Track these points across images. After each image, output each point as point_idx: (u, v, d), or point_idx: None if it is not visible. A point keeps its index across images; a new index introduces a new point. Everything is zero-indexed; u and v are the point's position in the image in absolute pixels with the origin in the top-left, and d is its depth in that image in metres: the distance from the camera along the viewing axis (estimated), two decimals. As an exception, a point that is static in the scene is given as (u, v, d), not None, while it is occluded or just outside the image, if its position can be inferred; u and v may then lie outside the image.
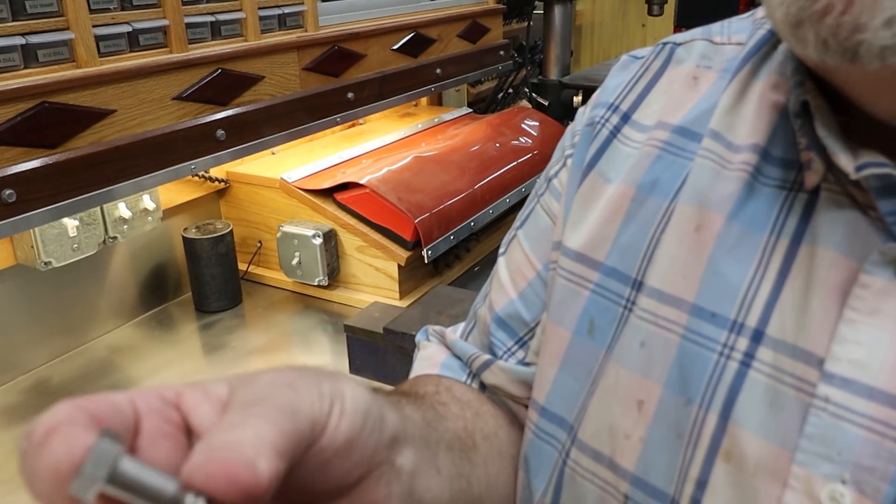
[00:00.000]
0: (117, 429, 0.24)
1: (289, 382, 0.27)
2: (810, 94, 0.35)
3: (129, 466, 0.22)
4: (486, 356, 0.52)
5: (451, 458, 0.42)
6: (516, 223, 0.55)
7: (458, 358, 0.54)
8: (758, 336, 0.35)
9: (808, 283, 0.34)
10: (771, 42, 0.43)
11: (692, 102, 0.44)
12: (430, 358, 0.56)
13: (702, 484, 0.35)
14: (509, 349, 0.52)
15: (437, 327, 0.58)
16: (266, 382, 0.27)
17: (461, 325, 0.59)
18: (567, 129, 0.52)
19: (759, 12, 0.45)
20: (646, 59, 0.50)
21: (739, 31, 0.46)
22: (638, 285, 0.41)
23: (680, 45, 0.48)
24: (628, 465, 0.38)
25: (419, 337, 0.60)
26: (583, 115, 0.51)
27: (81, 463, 0.22)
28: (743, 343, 0.36)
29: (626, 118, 0.47)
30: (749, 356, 0.35)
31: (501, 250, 0.56)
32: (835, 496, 0.31)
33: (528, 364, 0.51)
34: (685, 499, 0.35)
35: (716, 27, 0.48)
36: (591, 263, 0.44)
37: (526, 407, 0.50)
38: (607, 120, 0.48)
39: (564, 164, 0.50)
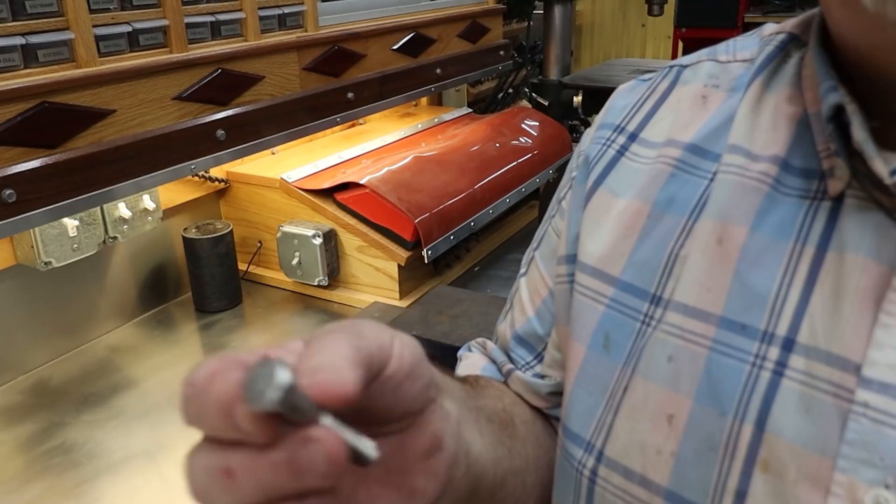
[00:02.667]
0: None
1: (352, 323, 0.31)
2: (846, 97, 0.36)
3: (288, 380, 0.25)
4: (510, 365, 0.55)
5: (492, 428, 0.45)
6: (533, 244, 0.57)
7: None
8: (789, 344, 0.35)
9: (838, 288, 0.35)
10: (780, 56, 0.43)
11: (703, 121, 0.45)
12: (471, 364, 0.59)
13: (741, 495, 0.35)
14: (528, 363, 0.54)
15: (480, 339, 0.61)
16: (332, 326, 0.30)
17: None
18: (574, 150, 0.54)
19: (766, 29, 0.46)
20: (652, 81, 0.51)
21: (745, 49, 0.47)
22: (657, 300, 0.42)
23: (686, 66, 0.49)
24: (661, 480, 0.38)
25: (462, 351, 0.62)
26: (588, 135, 0.52)
27: (249, 382, 0.25)
28: (774, 352, 0.36)
29: (633, 137, 0.48)
30: (781, 365, 0.35)
31: (522, 271, 0.58)
32: (879, 501, 0.31)
33: (543, 376, 0.53)
34: None
35: (721, 47, 0.49)
36: (605, 278, 0.45)
37: (545, 416, 0.53)
38: (613, 141, 0.49)
39: (570, 186, 0.51)
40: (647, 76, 0.52)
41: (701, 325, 0.39)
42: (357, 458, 0.28)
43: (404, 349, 0.32)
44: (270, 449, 0.26)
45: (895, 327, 0.32)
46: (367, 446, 0.28)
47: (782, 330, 0.36)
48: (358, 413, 0.30)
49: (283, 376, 0.25)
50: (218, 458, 0.27)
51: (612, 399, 0.42)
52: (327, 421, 0.27)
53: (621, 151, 0.48)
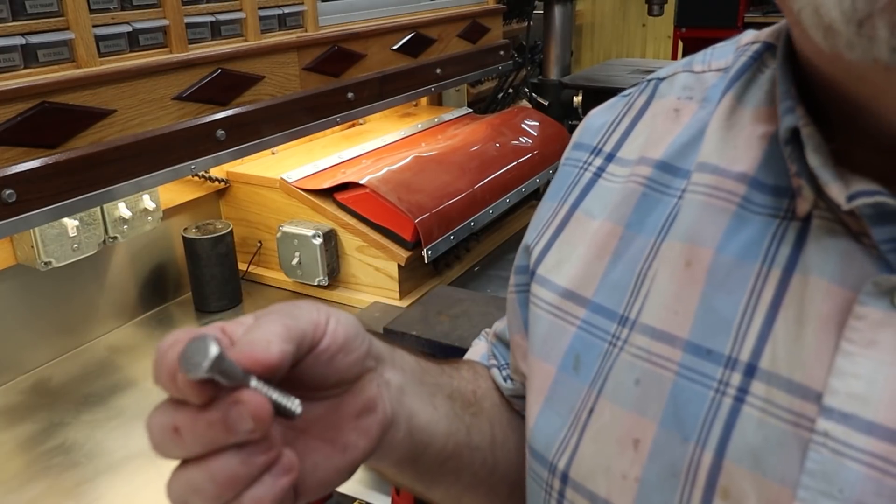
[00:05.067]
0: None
1: (293, 304, 0.37)
2: (802, 120, 0.35)
3: (217, 352, 0.31)
4: (493, 360, 0.57)
5: (451, 404, 0.49)
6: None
7: None
8: (750, 370, 0.35)
9: (801, 313, 0.34)
10: (754, 67, 0.42)
11: (673, 136, 0.44)
12: (475, 350, 0.61)
13: None
14: (503, 364, 0.56)
15: (495, 326, 0.62)
16: (276, 307, 0.37)
17: None
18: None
19: (744, 38, 0.45)
20: (630, 97, 0.50)
21: (721, 57, 0.46)
22: (624, 321, 0.41)
23: (663, 79, 0.48)
24: None
25: (476, 338, 0.64)
26: (567, 150, 0.52)
27: (185, 353, 0.31)
28: (737, 378, 0.35)
29: (610, 158, 0.48)
30: (743, 391, 0.34)
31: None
32: None
33: (511, 379, 0.55)
34: None
35: (698, 56, 0.48)
36: (579, 300, 0.44)
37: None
38: (590, 164, 0.49)
39: (541, 198, 0.52)
40: (626, 91, 0.51)
41: (667, 349, 0.38)
42: (284, 413, 0.34)
43: (338, 327, 0.37)
44: (207, 409, 0.32)
45: (857, 355, 0.31)
46: (294, 403, 0.35)
47: (745, 356, 0.35)
48: (298, 380, 0.36)
49: (213, 350, 0.31)
50: (168, 416, 0.33)
51: (576, 420, 0.41)
52: (255, 384, 0.32)
53: (598, 174, 0.47)
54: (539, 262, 0.48)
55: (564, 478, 0.41)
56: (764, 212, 0.37)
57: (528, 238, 0.51)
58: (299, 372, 0.36)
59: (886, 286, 0.31)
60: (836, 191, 0.32)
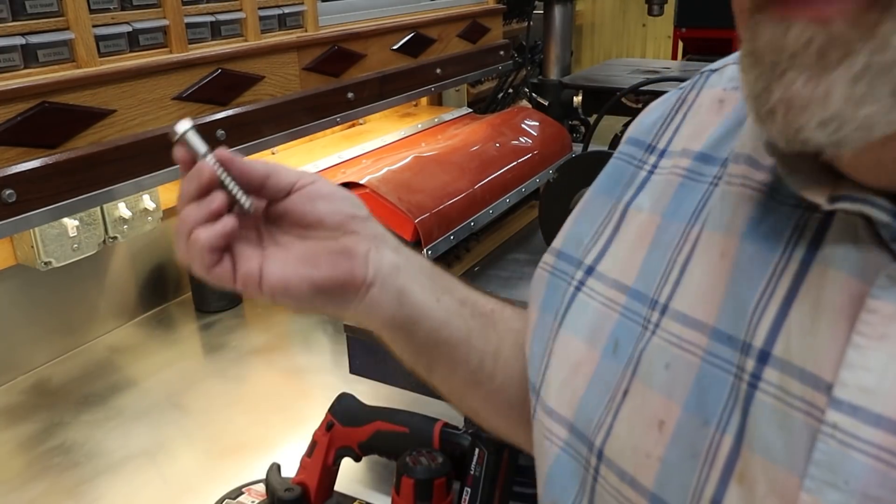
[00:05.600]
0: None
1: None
2: None
3: (188, 126, 0.48)
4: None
5: (458, 306, 0.55)
6: None
7: None
8: (763, 357, 0.35)
9: (818, 304, 0.34)
10: None
11: (714, 127, 0.45)
12: None
13: (716, 503, 0.35)
14: None
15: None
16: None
17: None
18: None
19: None
20: (683, 90, 0.51)
21: None
22: (654, 304, 0.42)
23: (715, 71, 0.49)
24: (648, 483, 0.39)
25: None
26: (622, 144, 0.53)
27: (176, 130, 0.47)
28: (750, 364, 0.36)
29: (662, 154, 0.49)
30: (756, 377, 0.35)
31: None
32: None
33: None
34: None
35: None
36: (621, 287, 0.46)
37: None
38: (645, 162, 0.50)
39: (592, 189, 0.53)
40: (682, 84, 0.52)
41: (696, 335, 0.39)
42: (238, 202, 0.48)
43: (322, 184, 0.51)
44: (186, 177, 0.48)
45: (868, 349, 0.31)
46: (247, 200, 0.49)
47: (759, 342, 0.36)
48: (288, 213, 0.50)
49: (185, 125, 0.47)
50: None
51: (612, 401, 0.43)
52: (212, 163, 0.47)
53: (651, 171, 0.49)
54: (598, 261, 0.49)
55: (600, 455, 0.43)
56: (789, 202, 0.38)
57: (581, 231, 0.52)
58: (289, 205, 0.50)
59: None
60: (812, 195, 0.34)
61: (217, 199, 0.47)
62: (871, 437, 0.31)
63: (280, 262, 0.49)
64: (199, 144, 0.48)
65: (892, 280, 0.31)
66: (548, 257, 0.54)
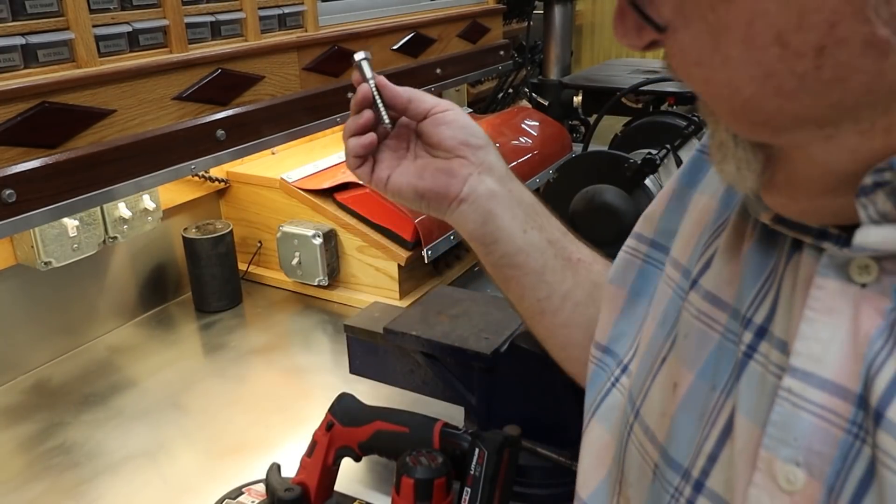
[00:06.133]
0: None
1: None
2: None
3: (363, 55, 0.64)
4: None
5: (546, 243, 0.64)
6: None
7: None
8: (761, 332, 0.39)
9: (795, 281, 0.37)
10: None
11: None
12: None
13: (713, 458, 0.40)
14: None
15: None
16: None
17: None
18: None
19: None
20: None
21: None
22: (687, 273, 0.47)
23: None
24: (661, 439, 0.44)
25: None
26: (705, 138, 0.56)
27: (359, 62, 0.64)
28: (748, 336, 0.39)
29: None
30: (752, 349, 0.39)
31: None
32: (790, 478, 0.34)
33: None
34: (696, 470, 0.41)
35: None
36: (675, 265, 0.50)
37: None
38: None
39: (677, 180, 0.56)
40: None
41: (718, 313, 0.43)
42: (379, 117, 0.64)
43: (450, 113, 0.65)
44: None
45: (818, 321, 0.35)
46: (385, 119, 0.63)
47: (759, 318, 0.39)
48: (421, 135, 0.65)
49: (360, 55, 0.63)
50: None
51: (653, 367, 0.48)
52: (373, 88, 0.63)
53: None
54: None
55: (637, 414, 0.48)
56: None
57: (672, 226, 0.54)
58: (423, 127, 0.65)
59: (839, 260, 0.35)
60: (755, 210, 0.40)
61: (364, 116, 0.63)
62: (817, 399, 0.34)
63: (403, 171, 0.64)
64: (367, 71, 0.63)
65: (833, 260, 0.35)
66: (639, 245, 0.57)
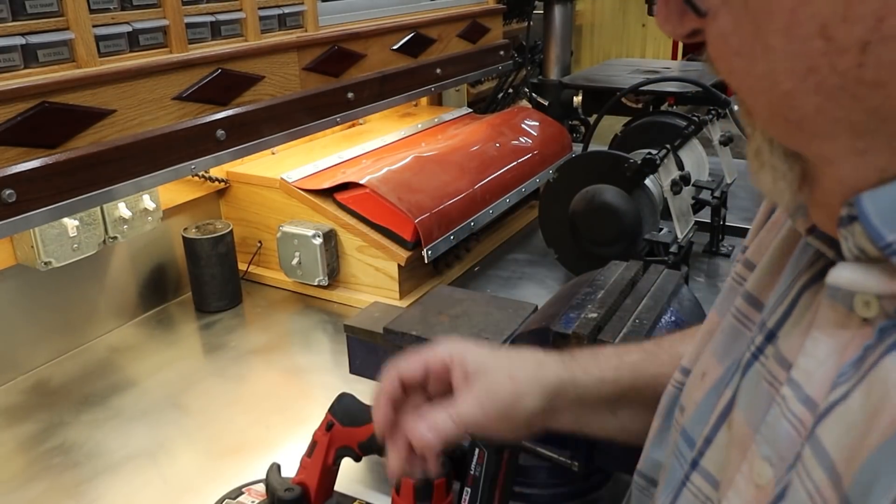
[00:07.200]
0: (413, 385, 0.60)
1: (498, 381, 0.59)
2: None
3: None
4: None
5: (644, 387, 0.61)
6: None
7: None
8: (770, 336, 0.42)
9: (815, 297, 0.39)
10: None
11: None
12: None
13: (708, 441, 0.44)
14: None
15: None
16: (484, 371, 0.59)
17: None
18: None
19: None
20: None
21: None
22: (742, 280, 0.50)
23: None
24: (686, 420, 0.49)
25: None
26: None
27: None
28: (759, 339, 0.42)
29: None
30: (759, 350, 0.42)
31: None
32: (762, 472, 0.38)
33: None
34: (695, 451, 0.45)
35: None
36: (749, 265, 0.51)
37: None
38: None
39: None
40: None
41: (753, 312, 0.46)
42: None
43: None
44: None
45: (820, 342, 0.37)
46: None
47: (771, 322, 0.42)
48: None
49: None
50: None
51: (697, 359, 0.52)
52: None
53: None
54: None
55: (676, 400, 0.53)
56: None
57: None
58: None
59: (846, 287, 0.36)
60: (793, 219, 0.42)
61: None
62: (796, 410, 0.37)
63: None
64: None
65: (836, 283, 0.36)
66: (738, 267, 0.55)
